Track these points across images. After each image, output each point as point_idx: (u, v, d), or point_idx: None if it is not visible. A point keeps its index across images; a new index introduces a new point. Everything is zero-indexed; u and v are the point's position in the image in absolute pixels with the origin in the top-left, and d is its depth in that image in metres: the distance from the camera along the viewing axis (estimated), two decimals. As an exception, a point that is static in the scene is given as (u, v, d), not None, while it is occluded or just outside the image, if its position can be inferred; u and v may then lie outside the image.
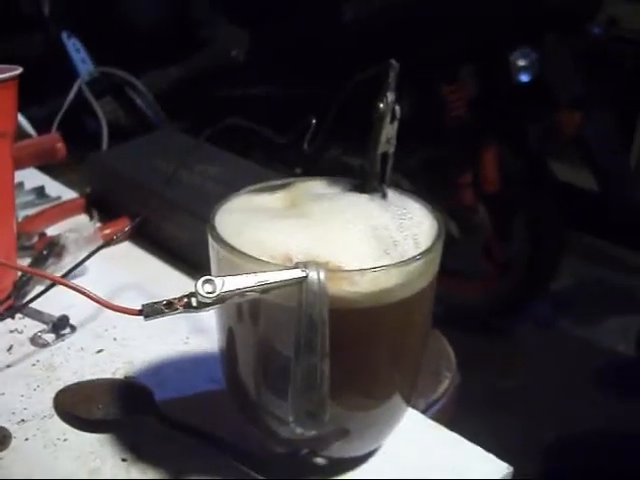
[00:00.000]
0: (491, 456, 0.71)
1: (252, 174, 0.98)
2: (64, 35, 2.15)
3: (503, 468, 0.70)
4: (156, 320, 0.80)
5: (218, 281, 0.50)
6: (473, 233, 2.49)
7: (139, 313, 0.52)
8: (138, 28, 2.36)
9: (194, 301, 0.51)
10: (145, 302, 0.52)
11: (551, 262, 2.51)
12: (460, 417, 0.91)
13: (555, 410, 2.28)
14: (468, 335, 2.39)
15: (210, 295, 0.50)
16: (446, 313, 2.43)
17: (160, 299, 0.52)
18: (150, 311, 0.51)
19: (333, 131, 0.67)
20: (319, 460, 0.66)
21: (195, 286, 0.50)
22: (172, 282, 0.94)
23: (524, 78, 2.21)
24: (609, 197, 2.36)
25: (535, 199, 2.42)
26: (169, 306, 0.51)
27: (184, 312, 0.51)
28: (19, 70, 0.81)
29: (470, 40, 2.27)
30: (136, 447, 0.69)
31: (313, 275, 0.51)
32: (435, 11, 2.27)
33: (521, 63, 2.20)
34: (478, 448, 0.72)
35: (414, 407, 0.75)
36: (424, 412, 0.80)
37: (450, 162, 2.44)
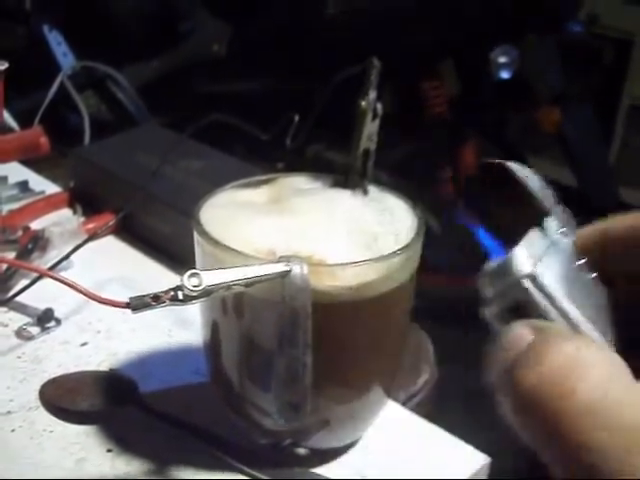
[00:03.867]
0: (469, 447, 0.72)
1: (235, 169, 0.99)
2: (45, 28, 2.14)
3: (481, 459, 0.71)
4: (140, 313, 0.81)
5: (204, 275, 0.51)
6: (454, 227, 2.50)
7: (127, 306, 0.52)
8: (120, 21, 2.36)
9: (180, 294, 0.52)
10: (130, 295, 0.53)
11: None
12: (441, 411, 0.92)
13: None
14: (450, 329, 2.39)
15: (196, 288, 0.51)
16: (427, 307, 2.44)
17: (147, 292, 0.53)
18: (137, 304, 0.52)
19: (316, 126, 0.68)
20: (301, 451, 0.67)
21: (181, 279, 0.51)
22: (155, 275, 0.94)
23: (504, 75, 2.22)
24: (588, 193, 2.38)
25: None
26: (156, 299, 0.52)
27: (170, 305, 0.52)
28: (5, 65, 0.81)
29: (452, 37, 2.29)
30: (121, 438, 0.70)
31: (296, 269, 0.53)
32: (418, 7, 2.28)
33: (501, 60, 2.21)
34: (456, 439, 0.73)
35: (394, 399, 0.77)
36: (404, 404, 0.81)
37: (431, 157, 2.45)
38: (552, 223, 0.40)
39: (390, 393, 0.69)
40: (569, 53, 2.32)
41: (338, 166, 0.66)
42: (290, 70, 2.32)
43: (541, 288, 0.37)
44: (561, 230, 0.40)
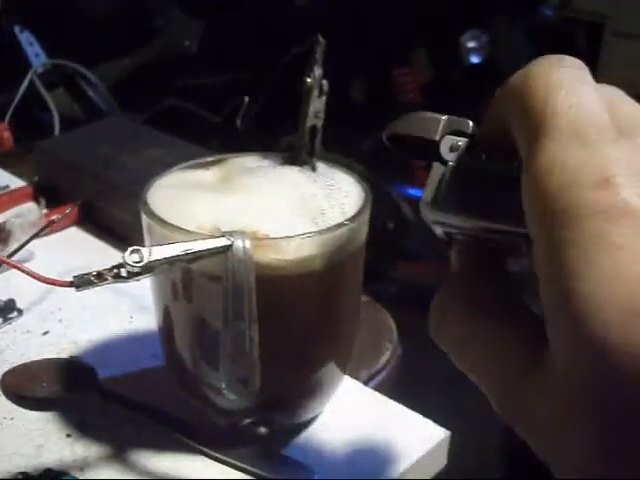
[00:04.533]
0: (429, 422, 0.73)
1: (197, 157, 0.99)
2: (17, 29, 2.14)
3: (440, 432, 0.72)
4: (101, 301, 0.82)
5: (145, 251, 0.51)
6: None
7: (70, 284, 0.53)
8: (91, 20, 2.36)
9: (123, 271, 0.52)
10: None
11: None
12: (415, 394, 0.92)
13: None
14: (424, 316, 2.40)
15: (137, 264, 0.51)
16: (402, 294, 2.45)
17: (90, 270, 0.53)
18: (81, 282, 0.52)
19: (285, 117, 0.68)
20: (260, 429, 0.68)
21: (123, 256, 0.51)
22: (119, 264, 0.94)
23: (474, 60, 2.23)
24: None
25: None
26: (99, 277, 0.52)
27: (114, 282, 0.52)
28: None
29: (421, 23, 2.29)
30: (80, 423, 0.71)
31: (238, 243, 0.53)
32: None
33: (471, 45, 2.22)
34: (417, 414, 0.73)
35: (356, 378, 0.77)
36: (366, 383, 0.82)
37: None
38: (444, 149, 0.42)
39: (345, 369, 0.69)
40: (540, 37, 2.33)
41: (286, 144, 0.67)
42: (262, 62, 2.32)
43: (437, 221, 0.43)
44: (453, 149, 0.42)
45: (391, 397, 0.76)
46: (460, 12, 2.25)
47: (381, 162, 2.30)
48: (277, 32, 2.31)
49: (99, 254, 0.98)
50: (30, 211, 0.98)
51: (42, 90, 1.65)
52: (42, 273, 0.56)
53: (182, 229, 0.56)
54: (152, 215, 0.59)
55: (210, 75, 2.43)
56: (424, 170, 2.47)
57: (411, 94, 2.35)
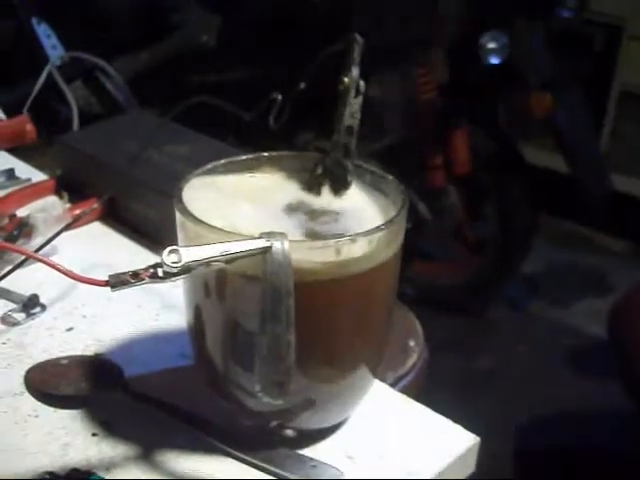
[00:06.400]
0: (458, 427, 0.72)
1: (220, 153, 0.98)
2: (34, 21, 2.13)
3: (470, 438, 0.71)
4: (126, 297, 0.81)
5: (183, 251, 0.50)
6: (444, 215, 2.50)
7: (106, 284, 0.52)
8: (109, 13, 2.35)
9: (160, 271, 0.51)
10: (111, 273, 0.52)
11: (522, 244, 2.53)
12: (432, 396, 0.92)
13: (526, 390, 2.30)
14: (441, 317, 2.41)
15: (175, 265, 0.50)
16: (419, 295, 2.45)
17: (126, 270, 0.52)
18: (116, 282, 0.52)
19: (305, 115, 0.68)
20: (288, 432, 0.67)
21: (161, 256, 0.51)
22: (142, 261, 0.93)
23: (494, 61, 2.22)
24: (579, 179, 2.38)
25: (506, 181, 2.44)
26: (135, 276, 0.52)
27: (150, 282, 0.52)
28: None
29: (439, 23, 2.28)
30: (106, 422, 0.70)
31: (277, 245, 0.52)
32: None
33: (491, 46, 2.21)
34: (445, 419, 0.73)
35: (383, 380, 0.76)
36: (393, 386, 0.81)
37: (421, 144, 2.44)
38: None
39: (376, 373, 0.69)
40: (559, 39, 2.32)
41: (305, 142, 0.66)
42: (280, 58, 2.32)
43: None
44: None
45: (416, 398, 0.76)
46: (480, 13, 2.25)
47: (397, 160, 2.30)
48: (296, 29, 2.30)
49: (122, 250, 0.97)
50: (54, 205, 0.97)
51: (61, 83, 1.64)
52: (69, 268, 0.56)
53: (220, 230, 0.56)
54: (188, 214, 0.58)
55: (228, 70, 2.43)
56: (439, 170, 2.47)
57: (429, 93, 2.34)
